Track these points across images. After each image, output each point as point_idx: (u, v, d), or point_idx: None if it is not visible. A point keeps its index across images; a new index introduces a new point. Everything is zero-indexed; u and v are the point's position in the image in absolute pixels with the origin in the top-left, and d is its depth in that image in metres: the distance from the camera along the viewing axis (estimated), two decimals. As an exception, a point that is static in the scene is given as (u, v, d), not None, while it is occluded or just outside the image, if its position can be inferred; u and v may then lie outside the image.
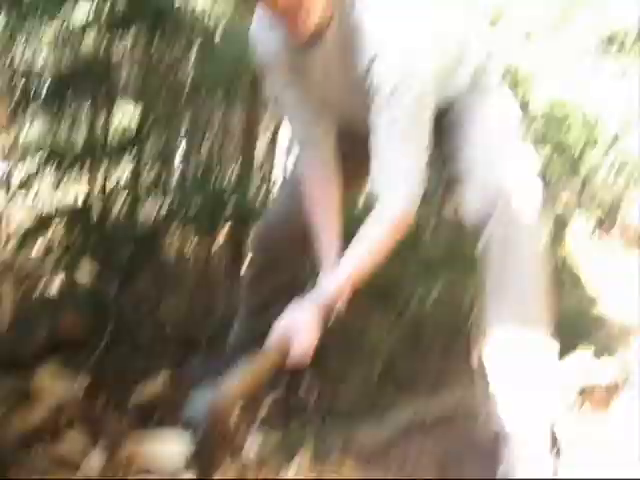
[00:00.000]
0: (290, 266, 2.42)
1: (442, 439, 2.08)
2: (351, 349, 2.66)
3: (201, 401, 1.58)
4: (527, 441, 1.86)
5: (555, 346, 1.91)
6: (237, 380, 1.67)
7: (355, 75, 1.84)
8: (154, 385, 2.40)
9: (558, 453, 1.87)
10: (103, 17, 3.03)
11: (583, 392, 2.00)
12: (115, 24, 3.04)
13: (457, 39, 2.02)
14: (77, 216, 3.24)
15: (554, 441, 1.88)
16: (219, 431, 1.60)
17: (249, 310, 2.52)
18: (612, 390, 2.09)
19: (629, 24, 2.73)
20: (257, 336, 2.40)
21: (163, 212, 3.28)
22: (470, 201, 1.98)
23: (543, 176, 2.86)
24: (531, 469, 1.82)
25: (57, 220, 3.30)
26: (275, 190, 3.68)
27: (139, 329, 3.01)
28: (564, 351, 2.00)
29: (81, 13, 3.15)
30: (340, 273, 1.87)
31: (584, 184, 3.07)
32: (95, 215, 3.22)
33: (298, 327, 1.78)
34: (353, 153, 2.07)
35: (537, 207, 1.94)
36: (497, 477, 1.86)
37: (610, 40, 2.77)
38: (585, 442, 1.87)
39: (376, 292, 1.92)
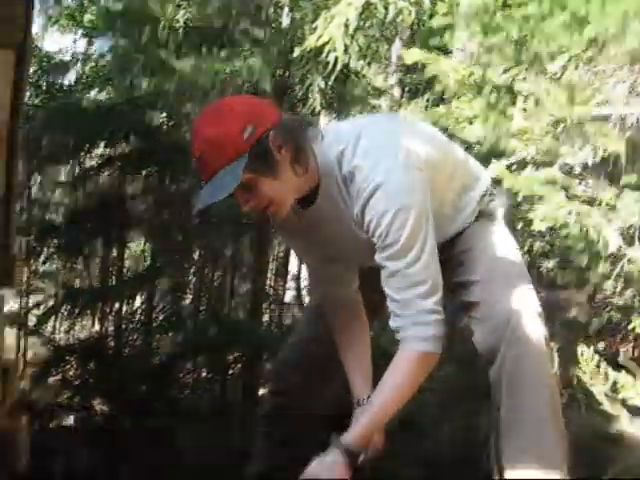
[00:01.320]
0: (312, 397, 2.41)
1: None
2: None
3: None
4: None
5: None
6: None
7: (352, 221, 1.91)
8: None
9: None
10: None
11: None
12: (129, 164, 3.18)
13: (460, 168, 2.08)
14: (91, 350, 3.27)
15: None
16: None
17: (267, 444, 2.49)
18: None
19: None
20: (275, 472, 2.46)
21: (177, 345, 3.32)
22: (479, 329, 1.99)
23: (552, 285, 2.92)
24: None
25: (72, 355, 3.34)
26: (286, 318, 3.69)
27: (155, 465, 2.99)
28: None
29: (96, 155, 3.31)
30: (367, 421, 1.87)
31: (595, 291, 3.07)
32: (109, 349, 3.25)
33: (327, 474, 1.77)
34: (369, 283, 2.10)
35: (544, 334, 1.95)
36: None
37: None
38: None
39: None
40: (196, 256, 3.61)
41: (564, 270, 2.94)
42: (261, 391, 3.77)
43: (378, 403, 1.91)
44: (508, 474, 1.90)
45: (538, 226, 2.65)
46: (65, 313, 3.22)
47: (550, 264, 2.96)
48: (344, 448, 1.84)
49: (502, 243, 2.10)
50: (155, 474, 2.92)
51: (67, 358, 3.40)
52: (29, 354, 4.38)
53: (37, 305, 3.19)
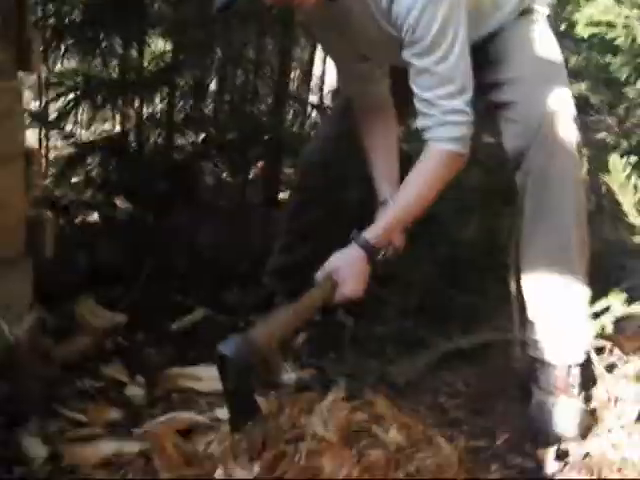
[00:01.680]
0: (335, 194, 2.42)
1: (477, 368, 2.10)
2: (384, 283, 2.69)
3: (236, 340, 1.60)
4: (561, 369, 1.86)
5: (587, 292, 1.88)
6: (277, 320, 1.70)
7: (380, 15, 1.80)
8: (192, 317, 2.45)
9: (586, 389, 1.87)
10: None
11: (613, 335, 1.98)
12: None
13: None
14: (113, 148, 3.25)
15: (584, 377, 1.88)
16: (253, 370, 1.64)
17: (291, 237, 2.54)
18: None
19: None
20: (296, 266, 2.50)
21: (198, 143, 3.29)
22: (510, 131, 1.93)
23: (586, 102, 2.82)
24: (563, 400, 1.83)
25: (94, 152, 3.33)
26: (311, 120, 3.64)
27: (176, 261, 3.05)
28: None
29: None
30: (389, 218, 1.88)
31: (628, 111, 2.97)
32: (131, 147, 3.23)
33: (345, 269, 1.82)
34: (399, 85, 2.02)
35: (577, 139, 1.88)
36: (531, 405, 1.87)
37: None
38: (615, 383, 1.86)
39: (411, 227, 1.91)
40: (217, 56, 3.47)
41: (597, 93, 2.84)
42: (281, 195, 3.80)
43: (401, 202, 1.89)
44: (525, 278, 1.92)
45: (582, 31, 2.50)
46: (85, 107, 3.17)
47: (583, 86, 2.84)
48: (364, 243, 1.85)
49: (543, 43, 1.98)
50: (176, 268, 2.98)
51: (89, 156, 3.39)
52: (51, 155, 4.39)
53: (57, 96, 3.10)
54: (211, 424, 1.76)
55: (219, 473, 1.55)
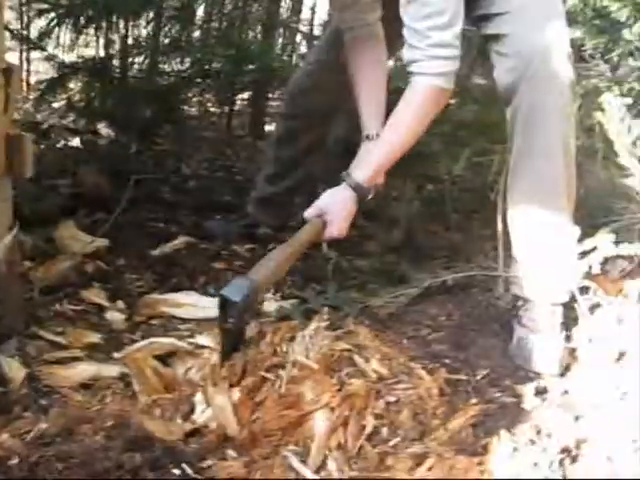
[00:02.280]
0: (323, 121, 2.39)
1: (460, 303, 2.09)
2: (369, 219, 2.67)
3: (241, 284, 1.59)
4: (544, 307, 1.85)
5: (576, 230, 1.87)
6: (274, 261, 1.71)
7: None
8: (174, 244, 2.42)
9: (568, 328, 1.87)
10: None
11: (597, 276, 1.98)
12: None
13: None
14: (96, 71, 3.16)
15: (566, 318, 1.88)
16: (250, 312, 1.66)
17: (276, 167, 2.52)
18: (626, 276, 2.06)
19: None
20: (281, 197, 2.56)
21: (185, 68, 3.21)
22: (502, 65, 1.88)
23: (582, 44, 2.77)
24: (544, 338, 1.82)
25: (76, 75, 3.24)
26: (300, 50, 3.56)
27: (159, 188, 3.01)
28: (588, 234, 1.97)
29: None
30: (379, 158, 1.86)
31: (621, 58, 2.93)
32: (114, 72, 3.14)
33: (335, 210, 1.83)
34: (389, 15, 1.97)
35: (569, 76, 1.83)
36: (512, 341, 1.87)
37: None
38: (596, 324, 1.86)
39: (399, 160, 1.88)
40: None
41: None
42: (267, 127, 3.76)
43: (390, 140, 1.86)
44: (512, 214, 1.90)
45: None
46: (68, 28, 3.06)
47: (578, 33, 2.78)
48: (356, 184, 1.84)
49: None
50: (159, 195, 2.94)
51: (71, 78, 3.30)
52: (32, 79, 4.29)
53: (39, 13, 3.00)
54: (191, 350, 1.75)
55: (198, 398, 1.54)
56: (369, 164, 1.87)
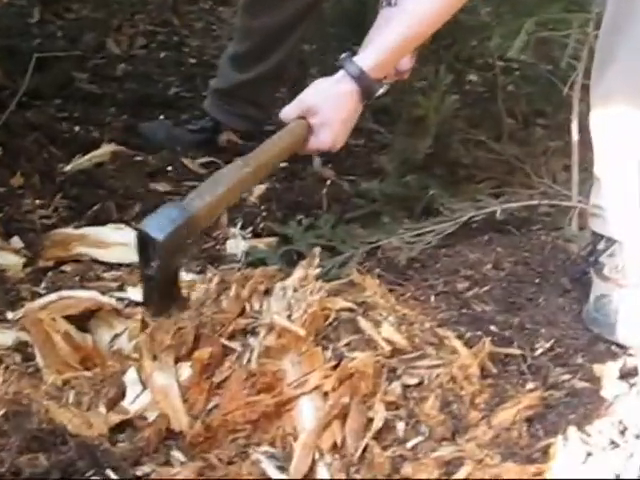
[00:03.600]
0: None
1: (513, 245, 2.09)
2: (382, 122, 2.66)
3: (168, 215, 1.59)
4: (636, 253, 1.85)
5: None
6: (227, 181, 1.70)
7: None
8: (95, 155, 2.43)
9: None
10: None
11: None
12: None
13: None
14: None
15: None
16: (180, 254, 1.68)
17: (248, 43, 2.52)
18: None
19: None
20: (250, 85, 2.54)
21: None
22: None
23: None
24: (635, 295, 1.83)
25: None
26: None
27: (74, 74, 3.00)
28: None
29: None
30: (392, 34, 1.85)
31: None
32: None
33: (328, 109, 1.83)
34: None
35: None
36: (589, 301, 1.88)
37: None
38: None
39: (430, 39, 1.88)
40: None
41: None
42: None
43: (411, 11, 1.85)
44: (596, 115, 1.88)
45: None
46: None
47: None
48: (358, 73, 1.83)
49: None
50: (73, 86, 2.93)
51: None
52: None
53: None
54: (120, 309, 1.76)
55: (130, 377, 1.55)
56: (381, 45, 1.87)
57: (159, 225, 1.57)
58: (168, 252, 1.58)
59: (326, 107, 1.83)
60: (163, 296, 1.63)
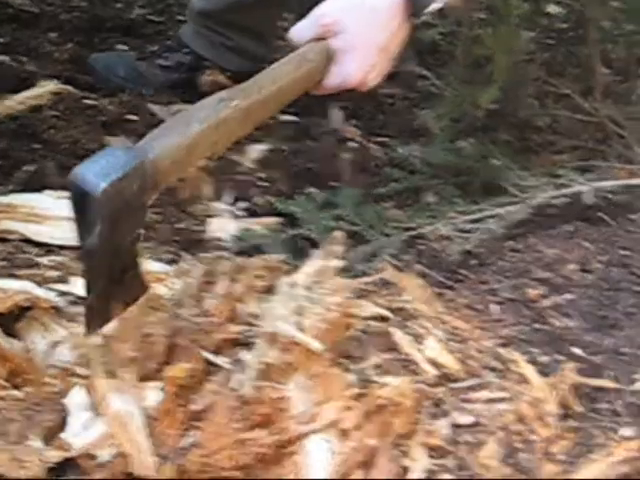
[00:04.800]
0: None
1: (606, 238, 2.11)
2: (428, 59, 2.66)
3: (114, 161, 1.52)
4: None
5: None
6: (195, 126, 1.64)
7: None
8: (31, 96, 2.44)
9: None
10: None
11: None
12: None
13: None
14: None
15: None
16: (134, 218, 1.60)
17: None
18: None
19: None
20: (255, 4, 2.54)
21: None
22: None
23: None
24: None
25: None
26: None
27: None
28: None
29: None
30: None
31: None
32: None
33: (361, 32, 1.81)
34: None
35: None
36: None
37: None
38: None
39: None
40: None
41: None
42: None
43: None
44: None
45: None
46: None
47: None
48: None
49: None
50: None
51: None
52: None
53: None
54: (61, 306, 1.77)
55: (75, 400, 1.55)
56: None
57: (98, 174, 1.49)
58: (112, 212, 1.51)
59: (355, 24, 1.81)
60: (111, 282, 1.58)
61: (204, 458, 1.46)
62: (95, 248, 1.51)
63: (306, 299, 1.60)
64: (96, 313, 1.57)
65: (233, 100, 1.69)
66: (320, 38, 1.81)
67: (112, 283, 1.58)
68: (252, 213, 2.15)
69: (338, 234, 1.75)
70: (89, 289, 1.56)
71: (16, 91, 2.47)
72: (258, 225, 2.07)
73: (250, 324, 1.60)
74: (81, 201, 1.49)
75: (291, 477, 1.46)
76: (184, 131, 1.61)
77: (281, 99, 1.79)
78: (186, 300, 1.64)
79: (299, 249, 1.92)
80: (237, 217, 2.11)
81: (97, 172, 1.49)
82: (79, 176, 1.48)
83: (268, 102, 1.76)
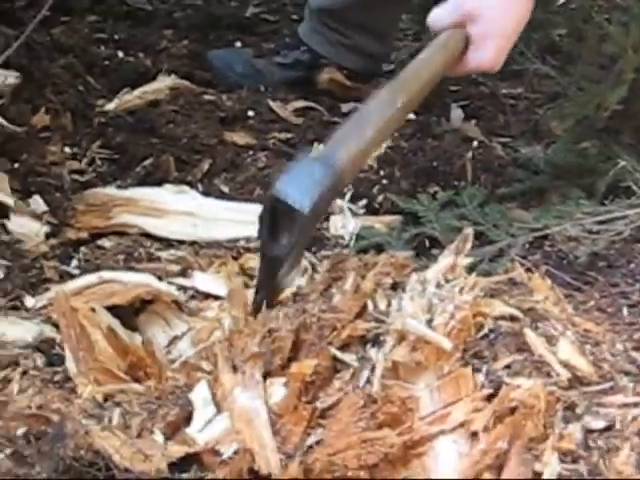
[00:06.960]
0: None
1: None
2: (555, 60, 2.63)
3: (312, 178, 1.56)
4: None
5: None
6: (369, 130, 1.67)
7: None
8: (148, 91, 2.46)
9: None
10: None
11: None
12: None
13: None
14: None
15: None
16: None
17: None
18: None
19: None
20: (375, 3, 2.54)
21: None
22: None
23: None
24: None
25: None
26: None
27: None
28: None
29: None
30: None
31: None
32: None
33: (501, 17, 1.86)
34: None
35: None
36: None
37: None
38: None
39: None
40: None
41: None
42: None
43: None
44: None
45: None
46: None
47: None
48: None
49: None
50: None
51: None
52: None
53: None
54: (182, 301, 1.78)
55: (199, 396, 1.54)
56: None
57: (302, 190, 1.55)
58: (312, 226, 1.61)
59: (492, 12, 1.85)
60: (276, 288, 1.65)
61: (329, 457, 1.44)
62: (283, 257, 1.60)
63: (437, 296, 1.58)
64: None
65: (397, 100, 1.73)
66: (457, 25, 1.85)
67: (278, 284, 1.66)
68: (372, 211, 2.14)
69: (469, 231, 1.73)
70: (260, 290, 1.68)
71: (134, 86, 2.49)
72: (378, 223, 2.06)
73: (379, 321, 1.57)
74: (281, 215, 1.56)
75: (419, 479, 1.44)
76: (361, 136, 1.67)
77: (426, 91, 1.82)
78: (313, 295, 1.63)
79: (420, 248, 1.92)
80: (357, 215, 2.09)
81: (301, 189, 1.55)
82: (285, 193, 1.55)
83: (418, 96, 1.80)
